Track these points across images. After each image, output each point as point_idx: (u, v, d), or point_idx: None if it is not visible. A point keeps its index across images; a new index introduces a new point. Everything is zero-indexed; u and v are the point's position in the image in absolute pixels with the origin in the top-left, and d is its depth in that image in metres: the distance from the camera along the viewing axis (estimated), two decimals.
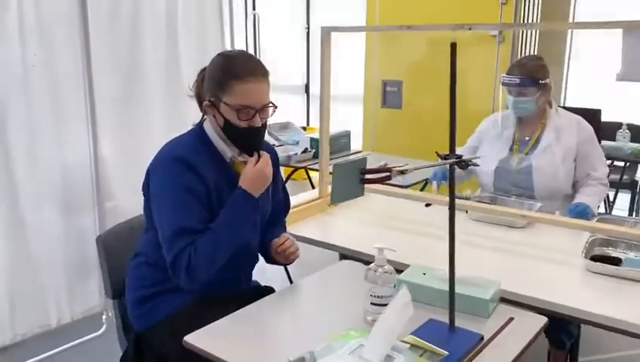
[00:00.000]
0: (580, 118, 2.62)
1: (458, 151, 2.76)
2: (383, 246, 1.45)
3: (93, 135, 2.41)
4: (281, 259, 1.79)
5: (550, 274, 1.83)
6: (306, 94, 6.87)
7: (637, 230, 2.00)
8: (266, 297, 1.68)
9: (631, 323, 1.50)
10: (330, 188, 2.48)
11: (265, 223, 1.82)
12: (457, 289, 1.48)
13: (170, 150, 1.66)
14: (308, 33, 6.68)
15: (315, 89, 6.35)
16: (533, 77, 2.48)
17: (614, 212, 4.20)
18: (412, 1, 4.62)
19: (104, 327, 2.60)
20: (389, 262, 1.70)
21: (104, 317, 2.58)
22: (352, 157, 3.77)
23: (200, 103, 1.71)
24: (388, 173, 1.17)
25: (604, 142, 3.85)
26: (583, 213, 2.29)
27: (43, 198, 2.33)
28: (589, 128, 2.58)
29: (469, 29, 2.00)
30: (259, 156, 1.66)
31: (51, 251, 2.37)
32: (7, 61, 2.15)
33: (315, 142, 3.55)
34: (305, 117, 6.81)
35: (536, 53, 4.53)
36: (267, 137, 3.92)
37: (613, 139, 3.87)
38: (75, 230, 2.38)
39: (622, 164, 4.05)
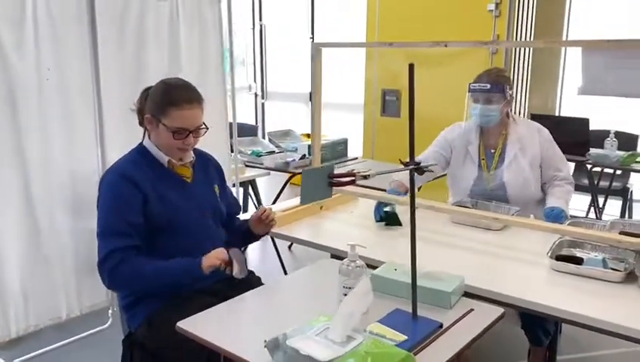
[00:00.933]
0: (538, 125, 2.72)
1: (422, 156, 2.84)
2: (355, 243, 1.61)
3: (101, 143, 2.61)
4: (262, 229, 2.12)
5: (518, 272, 1.98)
6: (310, 102, 7.02)
7: (601, 232, 2.13)
8: (256, 289, 1.88)
9: (584, 315, 1.64)
10: None
11: (224, 219, 2.15)
12: (423, 283, 1.65)
13: (113, 167, 1.97)
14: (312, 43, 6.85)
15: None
16: (501, 85, 2.55)
17: (604, 218, 4.32)
18: (410, 14, 4.78)
19: (110, 321, 2.78)
20: (374, 261, 1.92)
21: (110, 311, 2.76)
22: (348, 163, 3.95)
23: (141, 117, 1.99)
24: (353, 178, 1.34)
25: (592, 150, 3.99)
26: (558, 216, 2.40)
27: (55, 202, 2.50)
28: (547, 134, 2.69)
29: (445, 46, 2.15)
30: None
31: (62, 250, 2.54)
32: (24, 72, 2.35)
33: None
34: (309, 124, 6.98)
35: (530, 65, 4.67)
36: (267, 144, 4.11)
37: (602, 147, 3.98)
38: (84, 231, 2.54)
39: (611, 171, 4.17)
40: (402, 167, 1.45)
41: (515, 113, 4.52)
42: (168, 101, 1.88)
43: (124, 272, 1.82)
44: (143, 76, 2.72)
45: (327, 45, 2.52)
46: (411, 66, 1.37)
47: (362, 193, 2.63)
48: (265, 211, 2.10)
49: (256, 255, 4.25)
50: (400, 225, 2.33)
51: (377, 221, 2.42)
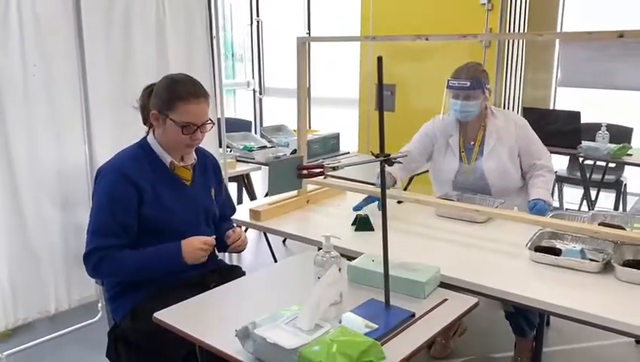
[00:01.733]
0: (515, 115, 2.74)
1: (404, 150, 2.85)
2: (330, 234, 1.63)
3: (88, 136, 2.63)
4: (233, 248, 2.10)
5: (497, 263, 1.99)
6: (307, 97, 7.04)
7: (580, 224, 2.15)
8: (237, 280, 1.91)
9: (561, 305, 1.65)
10: (307, 187, 2.70)
11: (217, 220, 2.16)
12: (398, 273, 1.67)
13: (112, 162, 1.96)
14: None
15: (315, 92, 6.54)
16: (481, 81, 2.57)
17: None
18: (404, 9, 4.79)
19: (100, 314, 2.80)
20: (356, 253, 1.94)
21: (100, 304, 2.77)
22: (340, 158, 3.96)
23: (145, 114, 2.00)
24: (321, 169, 1.36)
25: (584, 143, 3.99)
26: (542, 210, 2.41)
27: (42, 195, 2.52)
28: (523, 122, 2.70)
29: (426, 39, 2.16)
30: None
31: (50, 244, 2.57)
32: (9, 70, 2.37)
33: None
34: (307, 120, 7.00)
35: (524, 58, 4.67)
36: (259, 139, 4.13)
37: (594, 140, 3.98)
38: (72, 224, 2.57)
39: (604, 164, 4.16)
40: (373, 158, 1.46)
41: (508, 106, 4.55)
42: (176, 96, 1.88)
43: (108, 267, 1.87)
44: (130, 71, 2.74)
45: (311, 39, 2.54)
46: (379, 59, 1.38)
47: (348, 186, 2.66)
48: (239, 238, 2.07)
49: (250, 250, 4.27)
50: (372, 230, 2.29)
51: (354, 210, 2.41)
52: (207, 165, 2.13)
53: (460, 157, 2.72)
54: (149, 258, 1.90)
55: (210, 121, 1.96)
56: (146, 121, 2.01)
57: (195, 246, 1.89)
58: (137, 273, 1.91)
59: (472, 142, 2.71)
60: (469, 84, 2.54)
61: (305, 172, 1.35)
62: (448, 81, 2.61)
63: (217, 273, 2.05)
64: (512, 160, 2.66)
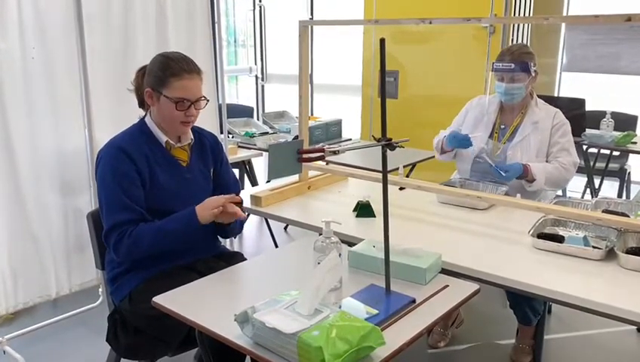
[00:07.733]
0: (557, 110, 2.67)
1: (444, 132, 2.87)
2: (330, 220, 1.61)
3: (89, 121, 2.60)
4: (224, 217, 1.95)
5: (499, 250, 1.97)
6: (310, 84, 7.02)
7: (582, 210, 2.13)
8: (236, 264, 1.89)
9: (562, 292, 1.64)
10: (308, 173, 2.69)
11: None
12: (399, 259, 1.66)
13: (110, 141, 1.95)
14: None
15: (318, 80, 6.50)
16: (526, 63, 2.52)
17: None
18: None
19: (100, 299, 2.80)
20: (357, 239, 1.92)
21: (100, 289, 2.78)
22: (342, 144, 3.94)
23: (139, 96, 1.99)
24: (322, 153, 1.34)
25: (588, 131, 3.96)
26: (514, 169, 2.45)
27: (43, 180, 2.51)
28: (562, 119, 2.63)
29: (430, 23, 2.13)
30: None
31: (51, 229, 2.56)
32: (8, 53, 2.35)
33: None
34: (309, 105, 6.96)
35: (529, 44, 4.62)
36: (261, 125, 4.11)
37: (598, 128, 3.95)
38: (73, 209, 2.57)
39: (608, 152, 4.14)
40: (375, 142, 1.44)
41: None
42: (169, 73, 1.87)
43: (127, 243, 1.83)
44: (130, 56, 2.72)
45: (313, 23, 2.51)
46: (382, 41, 1.35)
47: (349, 173, 2.65)
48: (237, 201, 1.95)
49: (251, 235, 4.28)
50: (373, 216, 2.27)
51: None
52: (204, 145, 2.10)
53: (491, 134, 2.68)
54: (165, 225, 1.87)
55: (204, 98, 1.94)
56: (141, 104, 2.00)
57: (207, 205, 1.88)
58: (156, 243, 1.86)
59: (505, 126, 2.68)
60: (513, 66, 2.51)
61: (305, 156, 1.33)
62: (493, 64, 2.58)
63: (218, 259, 2.04)
64: (539, 157, 2.60)
